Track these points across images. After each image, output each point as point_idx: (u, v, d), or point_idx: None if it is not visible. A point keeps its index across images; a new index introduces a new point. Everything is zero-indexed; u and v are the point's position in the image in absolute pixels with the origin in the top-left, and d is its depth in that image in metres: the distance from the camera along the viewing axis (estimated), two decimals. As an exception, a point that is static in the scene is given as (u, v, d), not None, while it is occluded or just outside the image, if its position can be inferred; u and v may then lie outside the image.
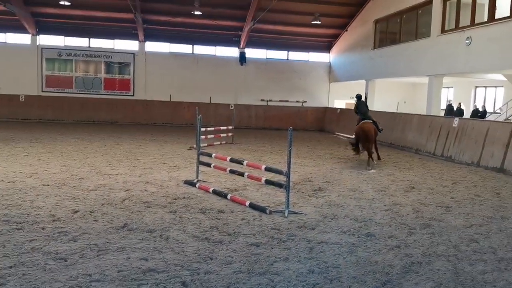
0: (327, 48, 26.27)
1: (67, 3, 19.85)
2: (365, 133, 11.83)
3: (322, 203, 7.55)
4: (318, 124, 25.33)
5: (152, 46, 24.45)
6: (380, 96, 23.37)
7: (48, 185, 8.09)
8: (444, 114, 18.64)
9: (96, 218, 6.10)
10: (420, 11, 18.67)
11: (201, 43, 24.84)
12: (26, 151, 12.25)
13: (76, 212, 6.38)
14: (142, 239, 5.31)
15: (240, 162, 7.75)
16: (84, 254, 4.76)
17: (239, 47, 24.98)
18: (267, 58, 25.73)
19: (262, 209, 6.75)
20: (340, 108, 24.69)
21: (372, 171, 11.13)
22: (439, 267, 4.82)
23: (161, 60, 24.32)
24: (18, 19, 21.47)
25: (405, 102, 25.48)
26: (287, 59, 25.96)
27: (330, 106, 26.21)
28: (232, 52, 25.27)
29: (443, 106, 20.29)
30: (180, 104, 24.13)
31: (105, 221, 5.97)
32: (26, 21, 21.84)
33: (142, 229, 5.67)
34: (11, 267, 4.35)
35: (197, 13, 21.14)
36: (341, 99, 26.57)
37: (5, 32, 22.89)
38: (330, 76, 26.44)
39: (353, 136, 13.38)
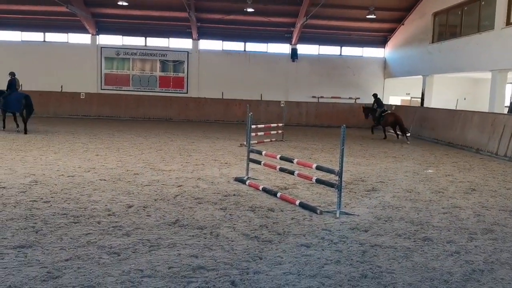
0: (382, 43, 25.47)
1: (125, 3, 20.55)
2: (399, 118, 17.52)
3: (376, 204, 7.28)
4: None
5: (205, 44, 24.81)
6: (439, 92, 22.34)
7: (104, 180, 8.38)
8: (508, 112, 17.50)
9: (149, 214, 6.22)
10: (483, 3, 17.61)
11: (253, 40, 24.89)
12: (85, 146, 12.80)
13: (130, 207, 6.55)
14: (193, 235, 5.35)
15: (290, 160, 7.65)
16: (137, 249, 4.86)
17: (291, 44, 24.78)
18: (319, 54, 25.35)
19: (312, 209, 6.61)
20: (396, 105, 23.88)
21: (430, 171, 10.65)
22: (503, 276, 4.49)
23: (214, 58, 24.62)
24: (79, 19, 22.51)
25: (465, 99, 24.22)
26: (340, 54, 25.45)
27: (384, 102, 25.40)
28: (283, 48, 25.12)
29: (507, 103, 19.06)
30: (231, 101, 24.33)
31: (158, 217, 6.08)
32: (86, 22, 22.86)
33: (193, 226, 5.72)
34: (67, 260, 4.51)
35: (249, 10, 21.19)
36: (397, 95, 25.68)
37: (67, 33, 24.09)
38: (385, 72, 25.63)
39: (387, 123, 18.07)
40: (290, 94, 24.96)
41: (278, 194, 7.35)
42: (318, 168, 7.03)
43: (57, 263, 4.41)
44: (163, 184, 8.16)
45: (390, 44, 25.16)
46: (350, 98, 25.29)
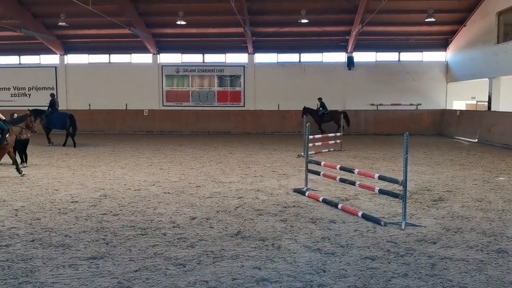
0: (443, 46, 24.46)
1: (183, 23, 21.33)
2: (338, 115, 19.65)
3: (444, 214, 6.95)
4: (435, 127, 23.66)
5: (261, 58, 25.10)
6: (506, 95, 21.02)
7: (169, 193, 8.67)
8: None
9: (212, 225, 6.35)
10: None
11: (308, 50, 24.84)
12: (149, 161, 13.33)
13: (193, 219, 6.72)
14: (255, 247, 5.39)
15: (351, 171, 7.51)
16: (201, 260, 4.96)
17: (346, 52, 24.47)
18: (376, 61, 24.79)
19: (376, 220, 6.43)
20: (460, 110, 22.76)
21: (501, 178, 10.00)
22: None
23: (269, 71, 24.84)
24: (141, 40, 23.63)
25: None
26: (399, 60, 24.73)
27: (448, 107, 24.31)
28: (339, 57, 24.84)
29: None
30: (287, 113, 24.35)
31: (220, 228, 6.19)
32: (148, 42, 23.95)
33: (254, 237, 5.76)
34: (136, 271, 4.70)
35: (303, 21, 21.22)
36: (461, 100, 24.47)
37: (130, 53, 25.36)
38: (448, 76, 24.54)
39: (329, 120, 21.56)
40: (348, 103, 24.57)
41: (339, 205, 7.23)
42: (381, 178, 6.84)
43: (127, 274, 4.60)
44: (224, 196, 8.30)
45: (451, 47, 24.10)
46: (411, 104, 24.44)
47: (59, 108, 18.72)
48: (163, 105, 25.21)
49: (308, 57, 25.00)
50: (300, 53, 24.91)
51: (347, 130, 20.82)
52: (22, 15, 21.16)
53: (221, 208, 7.39)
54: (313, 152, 14.30)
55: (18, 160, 12.29)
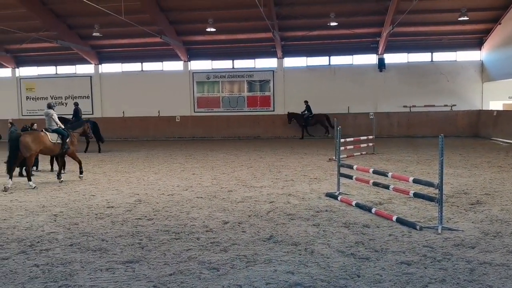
0: (477, 45, 23.75)
1: (213, 30, 21.60)
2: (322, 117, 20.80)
3: (482, 218, 6.73)
4: (471, 129, 22.97)
5: (290, 62, 25.08)
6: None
7: (201, 197, 8.77)
8: None
9: (244, 229, 6.38)
10: None
11: (338, 53, 24.64)
12: (182, 166, 13.53)
13: (226, 223, 6.77)
14: (288, 251, 5.37)
15: (384, 174, 7.39)
16: (234, 264, 4.99)
17: (377, 54, 24.13)
18: (408, 62, 24.31)
19: (411, 225, 6.30)
20: (497, 110, 22.01)
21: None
22: None
23: (299, 74, 24.77)
24: (172, 48, 24.06)
25: None
26: (431, 60, 24.17)
27: (484, 108, 23.55)
28: (370, 59, 24.52)
29: None
30: (318, 116, 24.19)
31: (252, 233, 6.20)
32: (178, 50, 24.35)
33: (287, 242, 5.74)
34: (171, 274, 4.77)
35: (332, 24, 21.09)
36: (498, 100, 23.65)
37: (162, 61, 25.85)
38: (483, 75, 23.80)
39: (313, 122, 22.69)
40: (379, 105, 24.20)
41: (373, 210, 7.12)
42: (416, 181, 6.70)
43: (162, 278, 4.68)
44: (255, 201, 8.32)
45: (486, 45, 23.37)
46: (445, 105, 23.82)
47: (83, 116, 19.45)
48: (194, 111, 25.55)
49: (338, 60, 24.79)
50: (329, 56, 24.74)
51: (332, 132, 21.36)
52: (58, 27, 21.94)
53: (253, 212, 7.41)
54: (345, 155, 14.15)
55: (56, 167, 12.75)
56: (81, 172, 11.48)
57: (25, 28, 21.21)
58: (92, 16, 20.46)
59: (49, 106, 11.40)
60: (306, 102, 23.31)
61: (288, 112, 23.66)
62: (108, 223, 6.96)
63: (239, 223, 6.75)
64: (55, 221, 7.18)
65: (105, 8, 15.99)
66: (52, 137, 10.84)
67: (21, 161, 11.83)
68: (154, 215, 7.42)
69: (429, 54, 24.22)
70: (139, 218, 7.20)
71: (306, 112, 23.17)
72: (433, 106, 23.82)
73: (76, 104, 19.59)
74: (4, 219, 7.36)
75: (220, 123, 25.03)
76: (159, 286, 4.47)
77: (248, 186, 9.85)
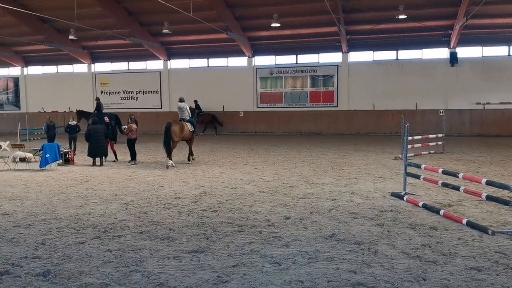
0: None
1: (277, 25, 21.65)
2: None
3: None
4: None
5: (355, 56, 24.55)
6: None
7: (263, 191, 8.89)
8: None
9: (306, 226, 6.39)
10: None
11: (406, 47, 23.73)
12: (245, 160, 13.76)
13: (287, 218, 6.81)
14: (350, 250, 5.32)
15: (454, 175, 7.05)
16: (296, 260, 5.02)
17: (449, 47, 22.94)
18: (483, 56, 22.88)
19: (483, 229, 5.98)
20: None
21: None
22: None
23: (364, 69, 24.19)
24: (237, 44, 24.44)
25: None
26: (509, 55, 22.57)
27: None
28: (440, 53, 23.36)
29: None
30: (383, 113, 23.52)
31: (314, 229, 6.20)
32: (243, 46, 24.69)
33: (349, 240, 5.68)
34: (234, 266, 4.90)
35: (401, 17, 20.33)
36: None
37: (227, 57, 26.35)
38: None
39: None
40: (450, 102, 23.03)
41: (441, 212, 6.83)
42: (489, 183, 6.33)
43: (226, 269, 4.82)
44: (317, 197, 8.29)
45: None
46: (523, 103, 22.20)
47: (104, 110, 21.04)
48: (257, 107, 25.81)
49: (406, 54, 23.89)
50: (397, 50, 23.90)
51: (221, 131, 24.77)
52: (130, 24, 23.06)
53: (315, 209, 7.39)
54: (412, 154, 13.64)
55: (128, 158, 13.51)
56: (192, 157, 13.66)
57: (100, 26, 22.50)
58: (162, 13, 21.27)
59: (181, 100, 13.72)
60: (195, 101, 24.68)
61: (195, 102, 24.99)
62: (175, 213, 7.27)
63: (300, 219, 6.77)
64: (127, 209, 7.61)
65: (174, 5, 16.56)
66: (189, 126, 13.32)
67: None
68: (218, 207, 7.63)
69: (507, 47, 22.64)
70: (204, 210, 7.45)
71: (196, 110, 24.18)
72: (510, 103, 22.27)
73: (97, 99, 21.17)
74: (81, 206, 7.91)
75: (282, 119, 25.10)
76: (222, 276, 4.61)
77: (310, 183, 9.82)
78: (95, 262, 5.11)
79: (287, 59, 25.56)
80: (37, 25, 23.83)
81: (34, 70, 29.94)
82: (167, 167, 12.21)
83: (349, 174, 10.96)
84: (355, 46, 24.20)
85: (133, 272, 4.79)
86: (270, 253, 5.27)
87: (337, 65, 24.51)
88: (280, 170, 11.74)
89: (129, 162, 13.46)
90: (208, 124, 25.04)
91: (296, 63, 25.31)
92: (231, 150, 16.87)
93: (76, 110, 22.77)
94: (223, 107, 25.99)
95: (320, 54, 24.99)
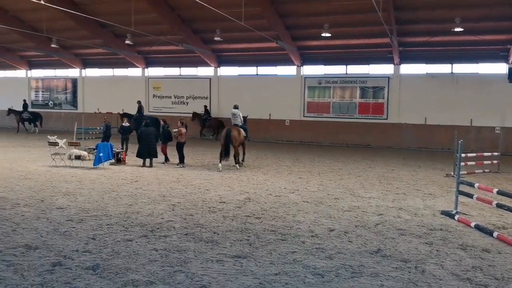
0: None
1: (328, 35, 21.53)
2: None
3: None
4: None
5: (407, 68, 23.94)
6: None
7: (307, 202, 8.83)
8: None
9: (350, 239, 6.28)
10: None
11: (461, 61, 22.86)
12: (289, 169, 13.72)
13: (331, 230, 6.73)
14: (396, 267, 5.18)
15: (510, 196, 6.71)
16: (339, 273, 4.95)
17: (507, 63, 21.88)
18: (546, 73, 21.64)
19: (541, 255, 5.64)
20: None
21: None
22: None
23: (416, 82, 23.51)
24: (286, 53, 24.49)
25: None
26: None
27: None
28: (498, 68, 22.31)
29: None
30: (435, 127, 22.73)
31: (359, 244, 6.08)
32: (292, 55, 24.71)
33: (396, 257, 5.53)
34: (276, 274, 4.89)
35: (457, 29, 19.65)
36: None
37: (275, 66, 26.44)
38: None
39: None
40: (508, 119, 21.92)
41: (495, 234, 6.51)
42: (549, 207, 5.98)
43: (268, 276, 4.82)
44: (363, 211, 8.13)
45: None
46: None
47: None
48: (303, 116, 25.69)
49: (461, 67, 23.01)
50: (452, 63, 23.08)
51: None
52: (184, 31, 23.69)
53: (360, 223, 7.26)
54: (465, 172, 13.08)
55: (176, 160, 13.86)
56: (240, 161, 14.07)
57: (155, 31, 23.27)
58: (215, 21, 21.70)
59: (236, 107, 14.75)
60: (205, 106, 26.23)
61: (193, 112, 26.04)
62: (219, 217, 7.36)
63: (345, 232, 6.67)
64: (173, 210, 7.80)
65: (227, 14, 16.86)
66: (243, 131, 14.19)
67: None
68: (262, 214, 7.65)
69: None
70: (248, 216, 7.49)
71: (205, 115, 25.79)
72: None
73: (139, 102, 23.01)
74: (130, 205, 8.19)
75: (329, 129, 24.81)
76: (264, 284, 4.62)
77: (356, 196, 9.65)
78: (142, 260, 5.26)
79: (336, 69, 25.30)
80: (96, 30, 24.99)
81: (92, 72, 31.37)
82: (219, 169, 13.03)
83: (397, 189, 10.68)
84: (407, 58, 23.61)
85: (177, 272, 4.90)
86: (313, 264, 5.22)
87: (388, 77, 24.00)
88: (325, 181, 11.61)
89: (177, 164, 13.79)
90: (216, 128, 25.58)
91: (346, 73, 25.01)
92: (276, 158, 16.88)
93: (119, 113, 23.80)
94: (270, 115, 26.08)
95: (371, 65, 24.56)
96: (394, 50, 22.52)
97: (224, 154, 13.35)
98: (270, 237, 6.29)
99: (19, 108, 28.40)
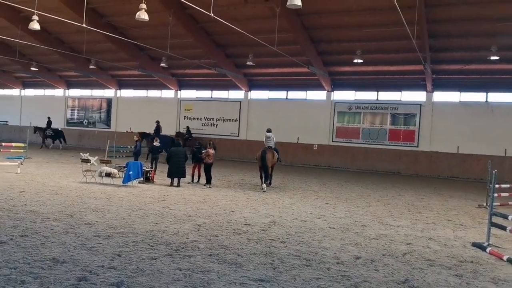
0: None
1: (360, 61, 21.53)
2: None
3: None
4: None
5: (440, 96, 23.56)
6: None
7: (334, 228, 8.70)
8: None
9: (377, 268, 6.13)
10: None
11: (497, 89, 22.34)
12: (316, 194, 13.60)
13: (358, 258, 6.59)
14: (423, 299, 5.01)
15: (548, 230, 6.42)
16: (364, 302, 4.83)
17: (546, 92, 21.24)
18: None
19: None
20: None
21: None
22: None
23: (449, 110, 23.09)
24: (317, 78, 24.60)
25: None
26: None
27: None
28: (537, 98, 21.69)
29: None
30: (468, 157, 22.13)
31: (386, 273, 5.93)
32: (323, 80, 24.78)
33: (423, 289, 5.36)
34: (300, 300, 4.81)
35: (493, 58, 19.30)
36: None
37: (305, 90, 26.56)
38: None
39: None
40: (546, 150, 21.13)
41: (530, 269, 6.22)
42: None
43: (290, 302, 4.75)
44: (391, 240, 7.94)
45: None
46: None
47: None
48: (332, 141, 25.55)
49: (497, 96, 22.47)
50: (487, 92, 22.59)
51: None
52: (217, 56, 24.21)
53: (388, 251, 7.08)
54: (498, 203, 12.60)
55: (203, 181, 13.98)
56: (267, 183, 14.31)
57: (189, 55, 23.86)
58: (248, 46, 22.10)
59: (269, 131, 15.51)
60: (187, 127, 27.84)
61: (176, 132, 27.67)
62: (244, 239, 7.34)
63: (372, 260, 6.52)
64: (198, 230, 7.83)
65: (261, 39, 17.14)
66: (276, 154, 14.95)
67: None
68: (287, 238, 7.59)
69: None
70: (272, 239, 7.44)
71: (186, 135, 26.92)
72: None
73: (157, 122, 24.28)
74: (156, 223, 8.28)
75: (358, 155, 24.54)
76: (287, 309, 4.55)
77: (384, 224, 9.45)
78: (165, 279, 5.29)
79: (367, 95, 25.17)
80: (133, 52, 25.86)
81: (126, 93, 32.32)
82: (263, 189, 13.62)
83: (427, 218, 10.39)
84: (440, 85, 23.28)
85: (200, 293, 4.89)
86: (337, 291, 5.12)
87: (420, 104, 23.67)
88: (353, 207, 11.43)
89: (204, 185, 13.91)
90: (193, 148, 26.10)
91: (377, 99, 24.83)
92: (303, 182, 16.77)
93: (138, 132, 24.27)
94: (298, 138, 26.05)
95: (403, 92, 24.32)
96: (427, 77, 22.27)
97: (265, 176, 14.07)
98: (294, 262, 6.21)
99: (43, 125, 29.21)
